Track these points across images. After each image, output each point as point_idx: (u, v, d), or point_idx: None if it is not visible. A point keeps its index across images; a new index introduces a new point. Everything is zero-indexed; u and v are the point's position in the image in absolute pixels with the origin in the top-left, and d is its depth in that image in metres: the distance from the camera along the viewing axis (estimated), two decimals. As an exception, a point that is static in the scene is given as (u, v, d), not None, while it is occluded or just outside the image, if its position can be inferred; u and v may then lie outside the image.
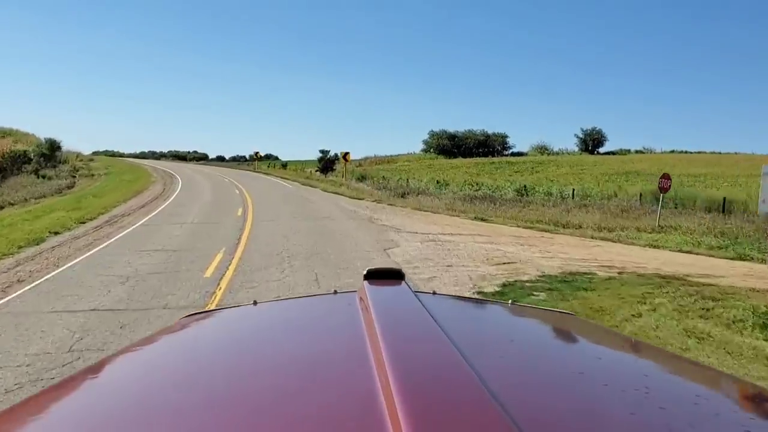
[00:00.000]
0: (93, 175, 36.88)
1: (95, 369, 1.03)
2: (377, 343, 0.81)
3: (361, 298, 1.17)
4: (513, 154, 73.81)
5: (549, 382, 0.85)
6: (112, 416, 0.76)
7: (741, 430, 0.75)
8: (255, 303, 1.35)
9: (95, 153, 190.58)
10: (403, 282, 1.26)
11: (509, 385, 0.77)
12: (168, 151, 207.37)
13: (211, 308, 2.25)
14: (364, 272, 1.30)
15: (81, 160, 49.97)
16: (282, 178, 35.75)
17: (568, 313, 1.55)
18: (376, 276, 1.30)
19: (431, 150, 70.25)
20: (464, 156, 68.36)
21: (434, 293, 1.43)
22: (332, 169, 48.29)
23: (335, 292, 1.42)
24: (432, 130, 71.75)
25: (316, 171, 48.51)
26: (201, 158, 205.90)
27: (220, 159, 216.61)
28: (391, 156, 68.24)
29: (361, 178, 41.50)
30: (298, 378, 0.82)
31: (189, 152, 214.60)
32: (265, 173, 40.08)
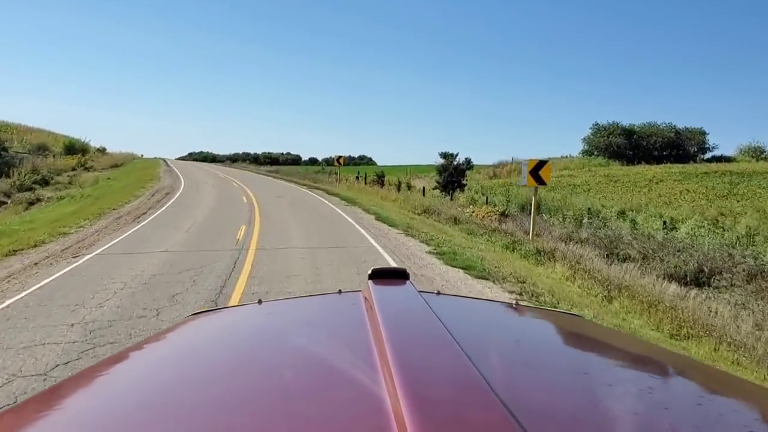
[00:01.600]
0: (34, 202, 19.97)
1: (103, 366, 1.02)
2: (382, 343, 0.80)
3: (365, 298, 1.17)
4: (715, 159, 48.99)
5: (554, 382, 0.85)
6: (120, 413, 0.76)
7: (745, 431, 0.74)
8: (260, 302, 1.32)
9: (191, 154, 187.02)
10: (407, 282, 1.26)
11: (514, 386, 0.78)
12: (261, 153, 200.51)
13: (217, 307, 1.62)
14: (369, 272, 1.29)
15: (85, 168, 34.09)
16: (377, 218, 15.60)
17: (573, 314, 1.53)
18: (381, 275, 1.29)
19: (595, 152, 47.57)
20: (646, 160, 45.01)
21: (438, 293, 1.41)
22: (461, 187, 28.69)
23: (340, 292, 1.40)
24: (597, 123, 48.90)
25: (434, 188, 29.47)
26: (293, 161, 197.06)
27: (313, 161, 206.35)
28: (539, 160, 46.72)
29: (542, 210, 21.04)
30: (303, 378, 0.83)
31: (282, 154, 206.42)
32: (346, 200, 20.59)
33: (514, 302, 1.44)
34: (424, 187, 28.82)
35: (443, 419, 0.57)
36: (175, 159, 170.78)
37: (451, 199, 25.87)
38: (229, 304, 4.47)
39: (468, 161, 29.92)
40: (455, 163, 27.47)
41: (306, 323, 1.21)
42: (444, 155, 27.79)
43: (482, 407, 0.61)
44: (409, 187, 31.42)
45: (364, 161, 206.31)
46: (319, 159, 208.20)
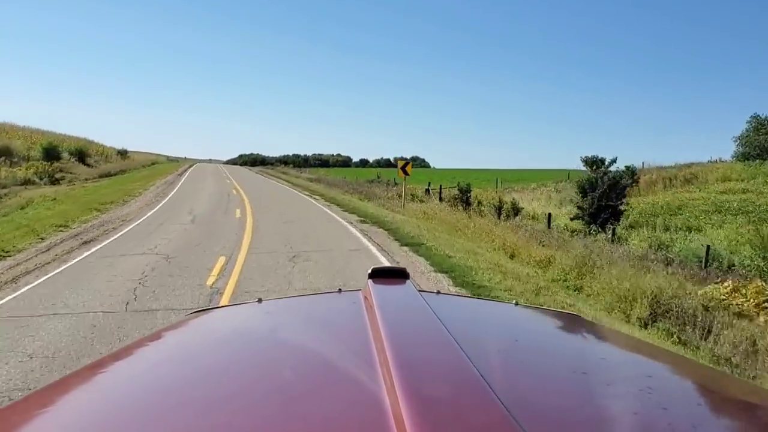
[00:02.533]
0: None
1: (101, 365, 1.01)
2: (382, 342, 0.80)
3: (365, 297, 1.17)
4: None
5: (553, 382, 0.85)
6: (117, 411, 0.76)
7: None
8: (260, 300, 1.31)
9: (241, 156, 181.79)
10: (407, 281, 1.25)
11: (514, 386, 0.78)
12: (311, 155, 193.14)
13: (216, 306, 1.71)
14: (369, 271, 1.28)
15: (52, 179, 24.66)
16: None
17: (573, 314, 1.52)
18: (381, 274, 1.27)
19: (757, 153, 34.03)
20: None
21: (438, 292, 1.42)
22: (615, 216, 16.92)
23: (340, 291, 1.39)
24: (757, 116, 35.12)
25: (573, 217, 17.91)
26: (343, 163, 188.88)
27: (363, 163, 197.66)
28: (687, 165, 33.29)
29: None
30: (302, 377, 0.82)
31: (332, 155, 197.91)
32: (437, 263, 9.41)
33: (513, 302, 1.44)
34: (550, 215, 17.24)
35: (442, 418, 0.57)
36: (224, 162, 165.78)
37: (613, 239, 14.31)
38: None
39: (632, 172, 18.09)
40: (611, 173, 15.84)
41: (305, 322, 1.21)
42: (590, 161, 16.34)
43: (481, 406, 0.61)
44: (516, 211, 19.86)
45: (418, 163, 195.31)
46: (370, 160, 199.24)
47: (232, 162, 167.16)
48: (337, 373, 0.82)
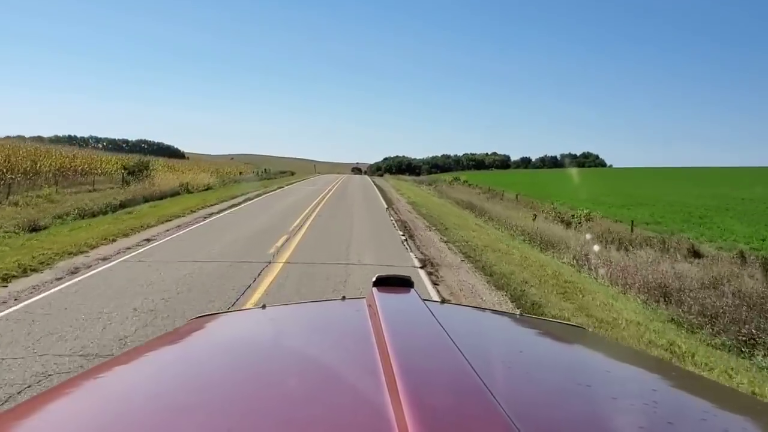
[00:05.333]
0: None
1: (104, 368, 1.02)
2: (386, 351, 0.81)
3: (370, 305, 1.17)
4: None
5: (557, 394, 0.86)
6: (119, 416, 0.76)
7: None
8: (264, 306, 1.31)
9: (385, 159, 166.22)
10: (411, 290, 1.26)
11: (518, 397, 0.78)
12: (463, 155, 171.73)
13: (220, 311, 1.68)
14: (374, 279, 1.29)
15: None
16: None
17: (578, 326, 1.51)
18: (385, 283, 1.29)
19: None
20: None
21: (443, 302, 1.41)
22: None
23: (344, 298, 1.41)
24: None
25: None
26: (501, 164, 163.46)
27: (525, 162, 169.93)
28: None
29: None
30: (306, 385, 0.82)
31: (486, 155, 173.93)
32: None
33: (517, 313, 1.40)
34: None
35: (446, 428, 0.58)
36: (365, 169, 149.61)
37: None
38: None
39: None
40: None
41: (310, 329, 1.20)
42: None
43: (485, 417, 0.61)
44: None
45: (590, 161, 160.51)
46: (533, 159, 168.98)
47: (376, 167, 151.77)
48: (341, 381, 0.82)
